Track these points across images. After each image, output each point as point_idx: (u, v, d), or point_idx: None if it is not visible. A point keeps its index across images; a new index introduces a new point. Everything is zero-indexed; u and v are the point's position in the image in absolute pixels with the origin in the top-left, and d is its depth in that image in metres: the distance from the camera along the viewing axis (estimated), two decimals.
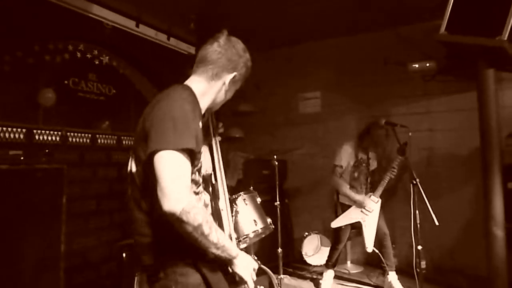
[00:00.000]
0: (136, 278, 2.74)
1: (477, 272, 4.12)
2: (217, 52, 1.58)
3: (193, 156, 1.34)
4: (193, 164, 1.36)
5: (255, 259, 2.98)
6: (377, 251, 3.72)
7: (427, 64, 4.40)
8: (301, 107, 5.25)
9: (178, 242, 1.33)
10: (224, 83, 1.59)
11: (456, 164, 4.38)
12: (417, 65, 4.43)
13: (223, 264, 1.44)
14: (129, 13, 4.04)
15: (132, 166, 1.46)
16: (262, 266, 2.81)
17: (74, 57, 3.76)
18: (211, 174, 1.62)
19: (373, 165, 3.97)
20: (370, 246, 3.66)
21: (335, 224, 3.75)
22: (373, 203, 3.70)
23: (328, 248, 4.66)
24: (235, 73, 1.61)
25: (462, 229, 4.31)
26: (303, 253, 4.65)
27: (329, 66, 5.07)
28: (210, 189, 1.60)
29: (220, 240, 1.34)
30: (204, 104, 1.56)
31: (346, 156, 3.78)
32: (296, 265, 4.69)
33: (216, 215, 1.57)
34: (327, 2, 4.03)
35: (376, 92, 4.77)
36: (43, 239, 2.73)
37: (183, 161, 1.29)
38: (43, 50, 3.55)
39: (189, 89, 1.50)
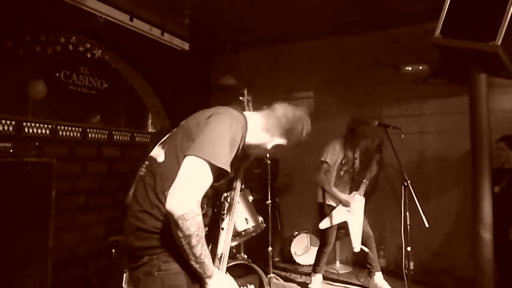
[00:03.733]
0: (124, 274, 2.72)
1: (463, 273, 4.19)
2: (286, 118, 1.63)
3: (221, 175, 1.40)
4: (215, 181, 1.40)
5: (245, 258, 2.97)
6: (365, 249, 3.71)
7: (420, 67, 4.43)
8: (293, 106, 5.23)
9: (170, 237, 1.34)
10: (272, 140, 1.65)
11: (446, 166, 4.42)
12: (410, 68, 4.46)
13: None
14: (123, 7, 3.98)
15: (160, 155, 1.50)
16: (253, 265, 2.80)
17: (66, 50, 3.70)
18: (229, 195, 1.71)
19: (357, 165, 3.93)
20: (357, 246, 3.65)
21: (323, 225, 3.71)
22: (358, 201, 3.70)
23: (317, 248, 4.70)
24: (284, 142, 1.66)
25: (449, 230, 4.36)
26: (292, 252, 4.66)
27: (321, 66, 5.07)
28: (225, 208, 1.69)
29: (202, 256, 1.35)
30: (248, 138, 1.60)
31: (333, 153, 3.73)
32: (285, 264, 4.70)
33: (215, 231, 1.64)
34: (321, 1, 4.02)
35: (368, 94, 4.79)
36: (31, 233, 2.68)
37: (208, 175, 1.34)
38: (34, 41, 3.49)
39: (245, 118, 1.57)
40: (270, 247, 3.45)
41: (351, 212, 3.67)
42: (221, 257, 1.62)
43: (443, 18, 3.26)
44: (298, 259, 4.64)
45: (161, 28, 4.48)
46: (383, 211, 4.69)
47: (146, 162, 1.57)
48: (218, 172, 1.36)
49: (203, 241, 1.35)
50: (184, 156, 1.37)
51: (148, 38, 4.42)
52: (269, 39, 5.18)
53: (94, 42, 3.97)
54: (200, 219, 1.32)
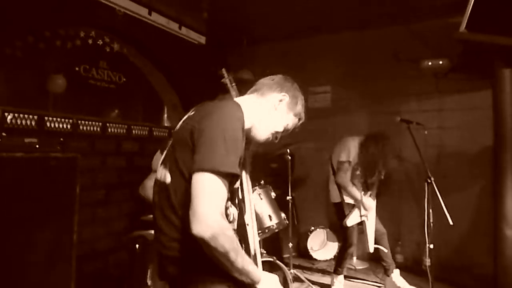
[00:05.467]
0: (149, 270, 2.74)
1: (482, 271, 4.15)
2: (267, 79, 1.62)
3: (234, 180, 1.34)
4: (231, 185, 1.34)
5: (268, 255, 2.97)
6: (382, 248, 3.67)
7: (440, 62, 4.36)
8: (310, 101, 5.19)
9: (207, 261, 1.29)
10: (273, 105, 1.54)
11: (465, 162, 4.37)
12: (430, 63, 4.39)
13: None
14: (142, 0, 3.95)
15: (166, 176, 1.41)
16: (277, 262, 2.79)
17: (85, 44, 3.70)
18: (238, 187, 1.57)
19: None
20: (371, 247, 3.64)
21: (350, 222, 3.59)
22: (372, 201, 3.67)
23: (334, 244, 4.69)
24: (283, 94, 1.56)
25: (468, 227, 4.32)
26: (308, 247, 4.65)
27: (340, 61, 5.02)
28: (236, 201, 1.56)
29: (245, 266, 1.30)
30: (249, 125, 1.51)
31: (354, 151, 3.62)
32: (300, 259, 4.69)
33: (241, 230, 1.55)
34: None
35: (387, 88, 4.73)
36: (56, 228, 2.68)
37: (222, 186, 1.26)
38: (54, 36, 3.49)
39: (239, 107, 1.42)
40: (290, 243, 3.46)
41: (368, 211, 3.62)
42: (255, 254, 1.59)
43: (468, 13, 3.21)
44: (314, 254, 4.64)
45: (178, 21, 4.45)
46: (400, 207, 4.65)
47: (156, 188, 1.48)
48: (230, 177, 1.28)
49: (241, 252, 1.29)
50: (190, 171, 1.28)
51: (165, 31, 4.38)
52: (286, 34, 5.14)
53: (113, 36, 3.96)
54: (230, 232, 1.26)
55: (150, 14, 4.06)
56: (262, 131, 1.55)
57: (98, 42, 3.83)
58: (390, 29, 4.67)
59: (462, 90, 4.38)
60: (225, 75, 2.12)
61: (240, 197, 1.61)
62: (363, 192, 3.66)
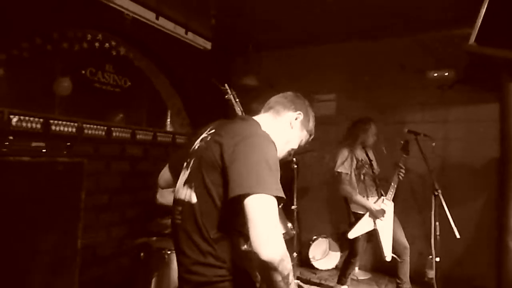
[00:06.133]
0: (153, 279, 2.69)
1: (484, 283, 4.13)
2: (279, 97, 1.64)
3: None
4: None
5: None
6: (397, 258, 3.55)
7: (446, 73, 4.37)
8: (315, 108, 5.15)
9: (236, 280, 1.29)
10: (289, 124, 1.57)
11: (469, 174, 4.36)
12: (435, 74, 4.40)
13: None
14: (150, 4, 3.94)
15: (192, 196, 1.37)
16: None
17: (92, 47, 3.67)
18: None
19: (376, 166, 3.77)
20: (388, 255, 3.46)
21: (352, 234, 3.52)
22: (387, 207, 3.54)
23: (337, 253, 4.66)
24: (298, 112, 1.59)
25: (470, 239, 4.30)
26: (310, 256, 4.62)
27: (345, 69, 5.02)
28: None
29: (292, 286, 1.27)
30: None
31: (343, 159, 3.59)
32: (302, 268, 4.66)
33: None
34: (346, 4, 3.97)
35: (392, 98, 4.73)
36: (61, 233, 2.65)
37: (277, 208, 1.24)
38: (62, 38, 3.46)
39: (268, 135, 1.40)
40: (295, 253, 3.43)
41: (380, 219, 3.50)
42: None
43: (478, 26, 3.21)
44: (316, 264, 4.60)
45: (185, 26, 4.44)
46: (403, 217, 4.62)
47: (179, 208, 1.43)
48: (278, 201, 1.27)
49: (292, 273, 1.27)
50: (219, 193, 1.28)
51: (171, 36, 4.37)
52: (292, 41, 5.14)
53: (120, 39, 3.94)
54: (288, 253, 1.24)
55: (157, 18, 4.05)
56: (280, 149, 1.54)
57: (105, 46, 3.80)
58: (396, 39, 4.68)
59: (468, 102, 4.39)
60: (229, 91, 2.10)
61: None
62: (375, 198, 3.57)
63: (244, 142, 1.30)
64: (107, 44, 3.82)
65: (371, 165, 3.69)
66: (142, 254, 2.73)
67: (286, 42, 5.17)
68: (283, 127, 1.57)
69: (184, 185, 1.44)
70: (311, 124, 1.65)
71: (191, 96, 4.90)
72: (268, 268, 1.18)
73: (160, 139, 4.31)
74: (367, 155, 3.73)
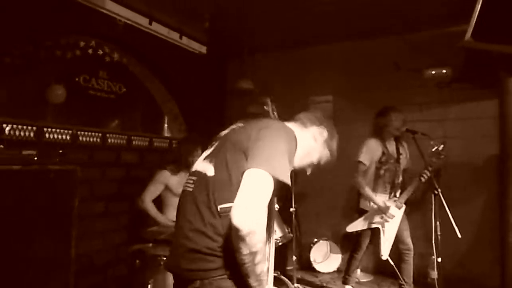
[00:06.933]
0: (149, 286, 2.65)
1: (487, 282, 4.07)
2: (307, 113, 1.71)
3: (280, 188, 1.35)
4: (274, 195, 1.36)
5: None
6: (391, 261, 3.47)
7: (443, 71, 4.33)
8: (311, 110, 5.14)
9: (226, 257, 1.30)
10: (313, 137, 1.63)
11: (469, 172, 4.31)
12: (433, 72, 4.36)
13: None
14: (142, 10, 3.92)
15: (209, 169, 1.44)
16: (282, 276, 2.72)
17: (85, 54, 3.65)
18: None
19: (404, 163, 3.59)
20: (385, 254, 3.41)
21: (351, 228, 3.49)
22: (396, 209, 3.41)
23: (338, 255, 4.61)
24: (323, 129, 1.64)
25: (472, 238, 4.25)
26: (311, 259, 4.56)
27: (341, 70, 4.98)
28: None
29: (262, 274, 1.30)
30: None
31: (368, 151, 3.46)
32: (302, 271, 4.60)
33: None
34: (341, 4, 3.94)
35: (389, 98, 4.66)
36: (54, 242, 2.62)
37: (270, 188, 1.29)
38: (55, 45, 3.45)
39: (293, 131, 1.52)
40: (294, 256, 3.38)
41: (386, 219, 3.40)
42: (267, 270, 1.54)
43: (474, 21, 3.18)
44: (317, 267, 4.55)
45: (179, 31, 4.42)
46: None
47: (193, 178, 1.50)
48: (277, 186, 1.31)
49: (265, 259, 1.30)
50: (243, 171, 1.30)
51: (165, 41, 4.35)
52: (287, 43, 5.11)
53: (113, 45, 3.92)
54: (265, 234, 1.26)
55: (150, 23, 4.03)
56: (299, 157, 1.59)
57: (98, 52, 3.78)
58: (391, 38, 4.64)
59: (466, 100, 4.34)
60: (269, 103, 2.14)
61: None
62: (386, 197, 3.46)
63: (269, 129, 1.42)
64: (100, 51, 3.80)
65: (398, 159, 3.53)
66: (137, 261, 2.68)
67: (281, 44, 5.15)
68: (307, 139, 1.62)
69: (204, 159, 1.52)
70: (334, 145, 1.69)
71: (187, 101, 4.87)
72: (235, 236, 1.21)
73: (156, 145, 4.28)
74: (398, 149, 3.57)
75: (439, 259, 3.11)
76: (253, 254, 1.22)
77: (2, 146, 2.34)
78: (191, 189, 1.47)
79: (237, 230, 1.19)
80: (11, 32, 2.95)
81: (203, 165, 1.50)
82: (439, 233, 3.08)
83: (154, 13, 4.04)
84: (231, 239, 1.24)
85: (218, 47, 5.19)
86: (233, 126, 1.59)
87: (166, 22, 4.26)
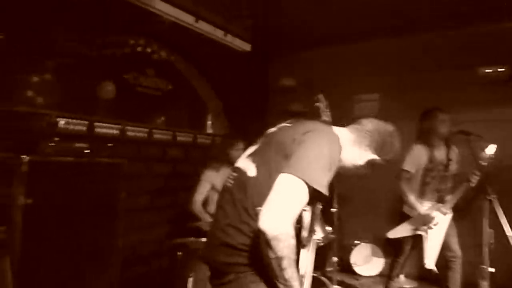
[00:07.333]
0: (189, 279, 2.70)
1: None
2: (377, 132, 1.60)
3: (315, 198, 1.35)
4: (308, 203, 1.34)
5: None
6: (436, 270, 3.28)
7: (500, 69, 4.07)
8: (356, 109, 5.03)
9: (259, 255, 1.29)
10: (364, 157, 1.58)
11: None
12: (488, 70, 4.11)
13: None
14: (189, 8, 3.99)
15: (250, 168, 1.45)
16: (321, 277, 2.67)
17: (134, 51, 3.77)
18: None
19: (454, 168, 3.42)
20: (430, 263, 3.25)
21: (392, 234, 3.37)
22: (441, 215, 3.26)
23: (380, 259, 4.48)
24: (376, 158, 1.58)
25: None
26: (351, 262, 4.46)
27: (388, 68, 4.82)
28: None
29: (292, 279, 1.28)
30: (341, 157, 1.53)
31: (414, 158, 3.30)
32: (343, 274, 4.50)
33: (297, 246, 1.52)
34: None
35: (439, 97, 4.45)
36: (102, 233, 2.73)
37: (304, 196, 1.27)
38: (105, 44, 3.58)
39: (338, 137, 1.48)
40: (335, 257, 3.31)
41: (430, 226, 3.26)
42: (303, 275, 1.51)
43: None
44: (358, 270, 4.44)
45: (224, 29, 4.46)
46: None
47: (234, 174, 1.51)
48: (312, 194, 1.28)
49: (294, 263, 1.27)
50: (279, 173, 1.29)
51: (210, 39, 4.40)
52: (331, 39, 5.01)
53: (160, 43, 4.03)
54: (294, 241, 1.23)
55: (196, 21, 4.09)
56: (347, 164, 1.57)
57: (147, 50, 3.90)
58: (443, 33, 4.42)
59: None
60: (322, 99, 2.16)
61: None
62: (431, 204, 3.30)
63: (313, 133, 1.40)
64: (148, 49, 3.92)
65: (447, 165, 3.36)
66: (179, 253, 2.74)
67: (325, 41, 5.06)
68: (354, 152, 1.57)
69: (248, 157, 1.53)
70: (389, 153, 1.61)
71: (230, 98, 4.92)
72: (262, 240, 1.21)
73: (200, 141, 4.36)
74: (447, 153, 3.38)
75: (493, 270, 2.91)
76: (279, 259, 1.22)
77: (57, 139, 2.47)
78: (230, 185, 1.49)
79: (262, 234, 1.20)
80: (65, 32, 3.10)
81: (245, 163, 1.50)
82: (492, 241, 2.89)
83: (200, 11, 4.10)
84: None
85: (262, 45, 5.19)
86: (281, 125, 1.57)
87: (211, 19, 4.30)
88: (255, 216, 1.32)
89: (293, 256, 1.25)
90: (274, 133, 1.55)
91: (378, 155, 1.57)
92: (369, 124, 1.61)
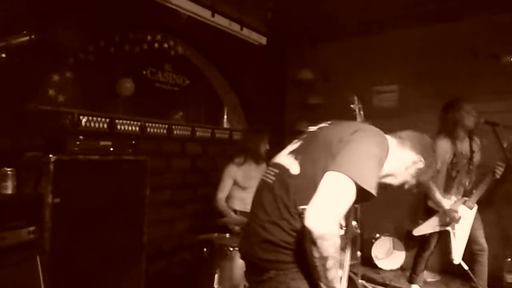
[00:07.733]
0: (216, 275, 2.70)
1: None
2: (416, 134, 1.57)
3: (363, 198, 1.30)
4: (355, 203, 1.31)
5: None
6: (465, 266, 3.24)
7: None
8: (375, 100, 4.95)
9: (301, 253, 1.28)
10: (405, 162, 1.51)
11: None
12: None
13: None
14: (206, 2, 3.96)
15: (293, 165, 1.42)
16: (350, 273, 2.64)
17: (151, 47, 3.76)
18: None
19: (477, 159, 3.31)
20: (457, 258, 3.20)
21: (418, 231, 3.31)
22: (467, 209, 3.20)
23: (402, 253, 4.43)
24: (420, 158, 1.51)
25: None
26: (373, 255, 4.42)
27: (408, 58, 4.72)
28: None
29: (335, 280, 1.27)
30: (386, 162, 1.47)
31: (439, 153, 3.09)
32: (364, 267, 4.47)
33: None
34: None
35: (462, 87, 4.36)
36: (129, 228, 2.76)
37: (352, 195, 1.24)
38: (123, 40, 3.58)
39: (387, 139, 1.47)
40: (359, 251, 3.29)
41: (454, 221, 3.19)
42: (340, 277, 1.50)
43: None
44: (379, 263, 4.40)
45: (240, 23, 4.41)
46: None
47: (275, 170, 1.47)
48: (360, 194, 1.24)
49: (337, 265, 1.25)
50: (325, 172, 1.26)
51: (226, 33, 4.37)
52: (349, 30, 4.93)
53: (177, 39, 4.01)
54: (339, 241, 1.22)
55: (213, 16, 4.05)
56: (393, 168, 1.51)
57: (164, 46, 3.89)
58: (466, 21, 4.31)
59: None
60: (356, 101, 2.16)
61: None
62: (457, 198, 3.24)
63: (362, 133, 1.37)
64: (165, 44, 3.91)
65: (471, 158, 3.27)
66: (205, 249, 2.75)
67: (343, 32, 4.97)
68: (397, 160, 1.50)
69: (289, 154, 1.49)
70: (426, 176, 1.59)
71: (246, 92, 4.89)
72: (307, 238, 1.19)
73: (218, 136, 4.35)
74: (471, 146, 3.29)
75: None
76: (324, 258, 1.20)
77: (82, 137, 2.47)
78: (271, 181, 1.45)
79: (308, 232, 1.18)
80: (85, 29, 3.10)
81: (287, 159, 1.46)
82: None
83: (216, 5, 4.06)
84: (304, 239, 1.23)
85: (277, 37, 5.13)
86: (322, 124, 1.55)
87: (227, 13, 4.27)
88: (296, 215, 1.31)
89: (337, 256, 1.23)
90: (316, 131, 1.52)
91: (417, 178, 1.54)
92: (408, 134, 1.56)
